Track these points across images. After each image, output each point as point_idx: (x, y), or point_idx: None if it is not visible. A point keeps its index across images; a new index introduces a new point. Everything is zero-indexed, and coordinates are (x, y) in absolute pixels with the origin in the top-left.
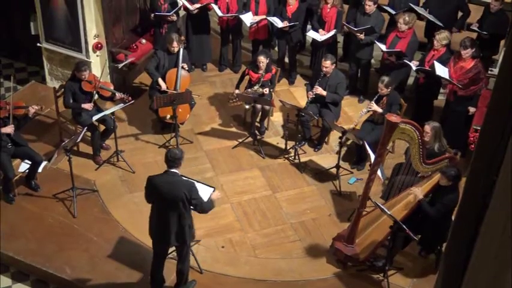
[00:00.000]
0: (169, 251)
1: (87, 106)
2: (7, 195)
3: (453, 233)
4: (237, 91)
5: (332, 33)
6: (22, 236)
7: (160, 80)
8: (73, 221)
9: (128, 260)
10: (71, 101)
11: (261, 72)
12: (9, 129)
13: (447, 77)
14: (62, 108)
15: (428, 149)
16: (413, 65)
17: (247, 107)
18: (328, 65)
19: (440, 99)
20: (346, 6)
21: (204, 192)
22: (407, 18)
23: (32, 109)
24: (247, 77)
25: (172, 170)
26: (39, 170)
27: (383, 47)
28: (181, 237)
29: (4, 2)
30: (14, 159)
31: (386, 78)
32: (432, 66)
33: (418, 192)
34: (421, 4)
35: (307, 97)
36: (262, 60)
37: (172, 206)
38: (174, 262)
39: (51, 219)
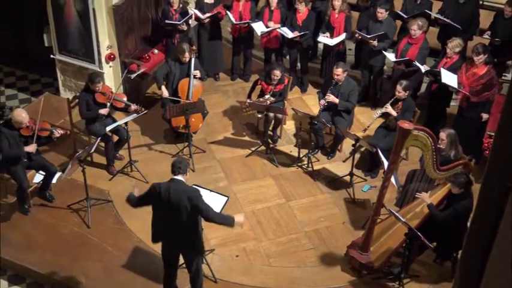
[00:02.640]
0: (181, 262)
1: (104, 111)
2: (22, 206)
3: (469, 239)
4: (249, 100)
5: (342, 36)
6: (37, 246)
7: (163, 88)
8: (87, 232)
9: (143, 269)
10: (86, 110)
11: (273, 83)
12: (31, 148)
13: (455, 84)
14: (75, 119)
15: (444, 156)
16: (423, 68)
17: (259, 115)
18: (339, 72)
19: (454, 106)
20: (356, 14)
21: (217, 202)
22: (420, 23)
23: (57, 133)
24: (259, 87)
25: (177, 178)
26: (54, 180)
27: (392, 57)
28: (188, 245)
29: (18, 14)
30: (29, 171)
31: (405, 82)
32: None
33: (426, 196)
34: (434, 11)
35: (320, 105)
36: (277, 74)
37: (176, 213)
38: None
39: (66, 229)
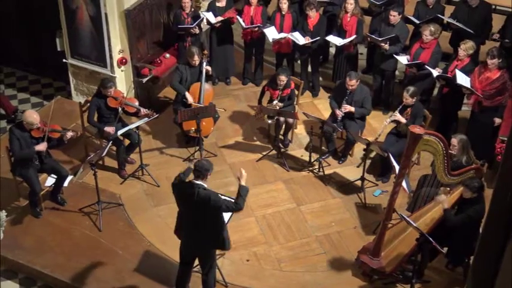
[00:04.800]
0: (196, 264)
1: (110, 130)
2: (34, 209)
3: (481, 245)
4: (259, 106)
5: (351, 38)
6: (49, 249)
7: (187, 94)
8: (99, 235)
9: (153, 273)
10: (95, 118)
11: (279, 88)
12: (42, 146)
13: (469, 86)
14: (87, 123)
15: (456, 161)
16: (436, 71)
17: (269, 121)
18: (353, 83)
19: (466, 111)
20: (368, 18)
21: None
22: (432, 29)
23: (68, 135)
24: (267, 92)
25: (197, 182)
26: (65, 184)
27: (403, 60)
28: (205, 247)
29: (30, 19)
30: (41, 174)
31: (411, 88)
32: (455, 76)
33: (445, 199)
34: (446, 15)
35: (337, 115)
36: (283, 79)
37: (198, 215)
38: (200, 275)
39: (77, 233)
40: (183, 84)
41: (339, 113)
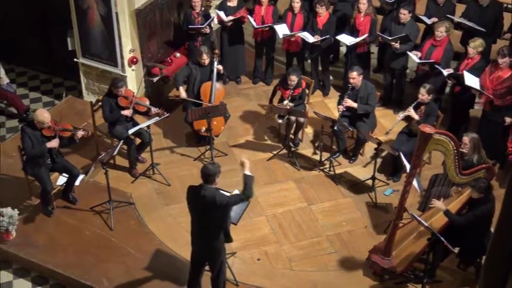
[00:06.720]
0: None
1: (127, 112)
2: (46, 208)
3: (493, 244)
4: (270, 105)
5: (362, 38)
6: (60, 248)
7: (181, 88)
8: (110, 234)
9: (164, 272)
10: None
11: (290, 88)
12: (54, 143)
13: (478, 87)
14: (98, 122)
15: (467, 160)
16: (446, 71)
17: (280, 121)
18: (355, 76)
19: (477, 110)
20: (380, 17)
21: (238, 205)
22: (447, 25)
23: (79, 134)
24: (279, 92)
25: (206, 185)
26: (77, 183)
27: (416, 58)
28: (213, 249)
29: (42, 18)
30: (52, 173)
31: (428, 85)
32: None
33: (439, 204)
34: (457, 14)
35: (339, 110)
36: (294, 79)
37: (204, 218)
38: (210, 274)
39: (89, 231)
40: (192, 83)
41: (340, 107)
